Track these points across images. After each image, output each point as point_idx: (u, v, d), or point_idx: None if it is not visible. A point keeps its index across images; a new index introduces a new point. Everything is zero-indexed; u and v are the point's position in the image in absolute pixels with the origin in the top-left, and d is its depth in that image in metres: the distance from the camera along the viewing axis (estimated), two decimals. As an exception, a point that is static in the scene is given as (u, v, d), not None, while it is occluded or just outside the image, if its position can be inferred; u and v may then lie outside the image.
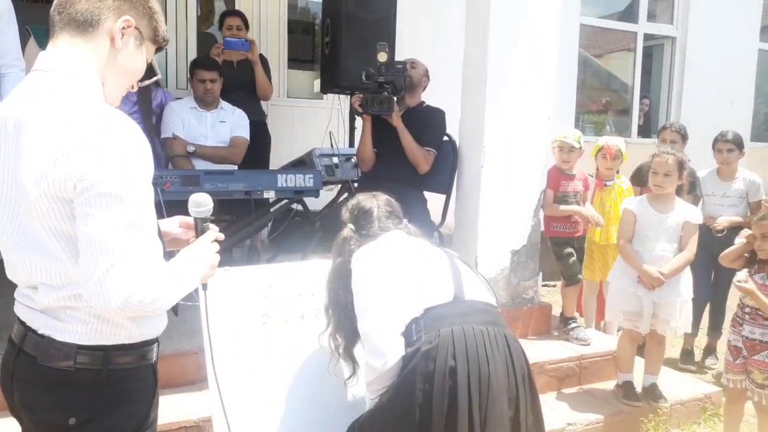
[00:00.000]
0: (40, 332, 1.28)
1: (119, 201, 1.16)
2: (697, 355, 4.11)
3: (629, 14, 7.45)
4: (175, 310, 1.41)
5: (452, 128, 3.75)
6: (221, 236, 1.48)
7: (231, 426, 1.59)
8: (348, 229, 2.16)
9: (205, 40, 5.36)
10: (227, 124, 4.01)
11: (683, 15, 7.40)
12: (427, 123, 3.69)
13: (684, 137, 3.98)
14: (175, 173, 3.44)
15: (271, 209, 4.08)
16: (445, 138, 3.77)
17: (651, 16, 7.45)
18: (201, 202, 1.46)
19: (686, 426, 3.13)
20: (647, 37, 7.43)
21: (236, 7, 5.29)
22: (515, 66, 3.36)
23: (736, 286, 2.70)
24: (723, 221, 3.83)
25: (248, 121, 4.10)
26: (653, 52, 7.77)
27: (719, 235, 3.77)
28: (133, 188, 1.18)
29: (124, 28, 1.31)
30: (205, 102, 3.94)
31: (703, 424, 3.14)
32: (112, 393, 1.30)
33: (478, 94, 3.40)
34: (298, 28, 6.15)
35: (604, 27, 7.43)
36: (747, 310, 2.76)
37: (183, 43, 5.31)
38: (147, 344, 1.36)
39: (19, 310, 1.33)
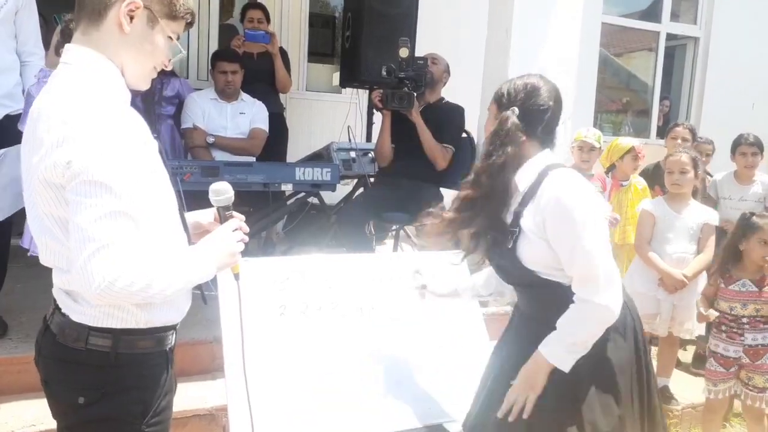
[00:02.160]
0: (62, 311, 1.34)
1: (105, 189, 1.18)
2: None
3: (652, 13, 7.37)
4: (204, 299, 1.43)
5: (471, 125, 3.74)
6: (244, 225, 1.47)
7: (253, 416, 1.61)
8: (513, 115, 1.68)
9: (225, 32, 5.38)
10: (247, 115, 4.03)
11: (707, 15, 7.31)
12: (446, 120, 3.69)
13: (694, 135, 3.96)
14: (195, 164, 3.47)
15: (288, 202, 4.11)
16: (464, 135, 3.77)
17: (674, 16, 7.37)
18: (220, 190, 1.46)
19: (696, 429, 3.11)
20: (669, 37, 7.35)
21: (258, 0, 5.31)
22: (537, 65, 3.34)
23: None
24: None
25: (267, 114, 4.12)
26: (675, 52, 7.69)
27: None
28: (121, 178, 1.20)
29: (131, 10, 1.30)
30: (225, 93, 3.96)
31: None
32: (122, 376, 1.33)
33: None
34: (319, 21, 6.16)
35: (627, 26, 7.36)
36: (745, 320, 2.72)
37: (205, 35, 5.33)
38: (159, 331, 1.38)
39: (53, 289, 1.38)
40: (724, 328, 2.77)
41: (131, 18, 1.30)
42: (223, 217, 1.47)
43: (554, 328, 1.63)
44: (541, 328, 1.67)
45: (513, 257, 1.68)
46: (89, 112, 1.21)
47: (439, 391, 2.27)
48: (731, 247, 2.78)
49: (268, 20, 4.46)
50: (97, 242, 1.17)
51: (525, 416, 1.62)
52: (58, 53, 2.91)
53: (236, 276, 1.50)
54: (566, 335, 1.61)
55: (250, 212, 3.87)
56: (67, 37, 2.79)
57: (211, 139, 3.86)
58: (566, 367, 1.61)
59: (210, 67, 4.16)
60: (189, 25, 1.43)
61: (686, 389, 3.31)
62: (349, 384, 2.19)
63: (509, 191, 1.66)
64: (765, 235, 2.66)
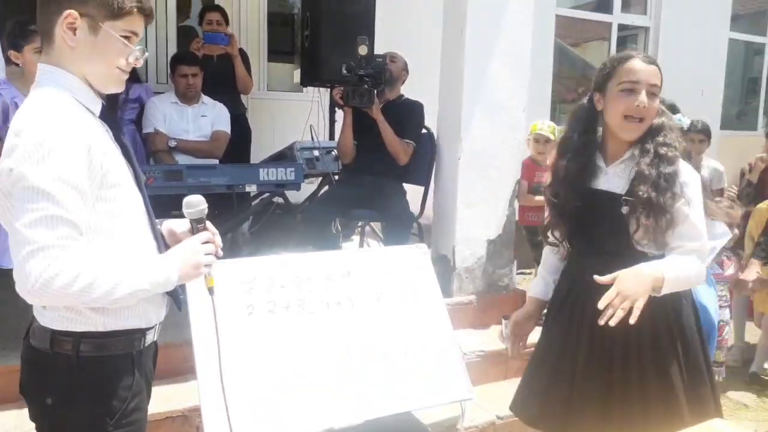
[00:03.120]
0: (35, 315, 1.41)
1: (43, 195, 1.21)
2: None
3: (604, 4, 7.56)
4: (178, 305, 1.48)
5: (430, 121, 3.83)
6: (217, 240, 1.50)
7: (230, 416, 1.67)
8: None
9: (183, 34, 5.36)
10: (208, 118, 4.04)
11: (656, 5, 7.54)
12: (407, 116, 3.77)
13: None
14: (157, 168, 3.49)
15: (253, 203, 4.14)
16: (424, 131, 3.86)
17: (626, 6, 7.58)
18: (192, 203, 1.48)
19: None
20: (621, 27, 7.56)
21: (216, 1, 5.30)
22: (492, 61, 3.44)
23: None
24: None
25: (229, 115, 4.14)
26: (627, 41, 7.91)
27: None
28: (62, 185, 1.23)
29: (70, 23, 1.32)
30: (186, 97, 3.97)
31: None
32: (85, 378, 1.38)
33: (455, 87, 3.48)
34: (278, 20, 6.16)
35: (580, 18, 7.54)
36: None
37: (163, 38, 5.30)
38: (121, 335, 1.41)
39: None
40: None
41: (74, 31, 1.33)
42: (195, 229, 1.49)
43: None
44: None
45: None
46: (38, 123, 1.26)
47: (408, 377, 2.35)
48: None
49: (226, 22, 4.47)
50: (32, 244, 1.20)
51: (632, 321, 1.57)
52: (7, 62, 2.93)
53: (210, 290, 1.51)
54: (684, 268, 1.72)
55: (215, 215, 3.89)
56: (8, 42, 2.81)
57: (173, 143, 3.87)
58: (666, 290, 1.68)
59: (169, 71, 4.15)
60: (146, 16, 1.41)
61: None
62: (321, 379, 2.25)
63: None
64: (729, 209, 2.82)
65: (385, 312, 2.43)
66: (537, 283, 2.09)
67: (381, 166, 3.69)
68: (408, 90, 3.93)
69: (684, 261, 1.73)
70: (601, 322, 1.56)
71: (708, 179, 4.05)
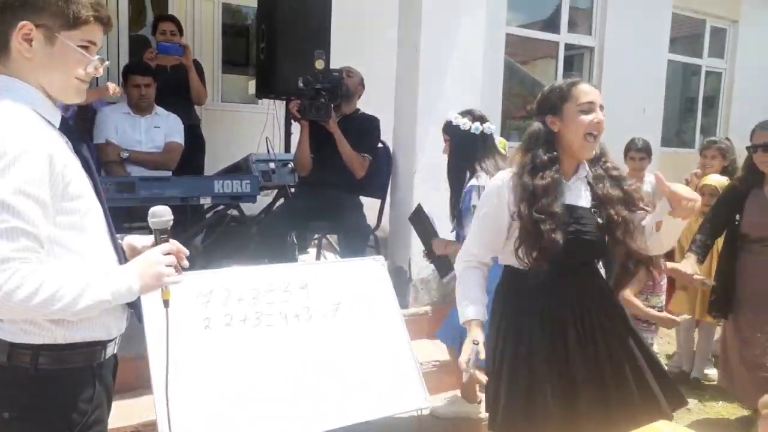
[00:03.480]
0: None
1: (3, 208, 1.20)
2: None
3: (552, 24, 7.83)
4: (139, 317, 1.46)
5: (386, 135, 3.89)
6: (183, 249, 1.49)
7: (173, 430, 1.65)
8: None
9: (136, 44, 5.28)
10: (162, 129, 3.99)
11: (600, 26, 7.86)
12: (363, 130, 3.81)
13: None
14: (109, 180, 3.42)
15: (207, 215, 4.10)
16: (380, 145, 3.91)
17: (572, 26, 7.87)
18: (157, 213, 1.48)
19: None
20: (568, 46, 7.84)
21: (170, 11, 5.25)
22: (446, 78, 3.54)
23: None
24: None
25: (183, 126, 4.10)
26: (574, 60, 8.21)
27: None
28: (22, 197, 1.22)
29: (25, 35, 1.31)
30: (139, 107, 3.91)
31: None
32: (44, 392, 1.35)
33: (410, 103, 3.56)
34: (232, 31, 6.14)
35: (529, 37, 7.78)
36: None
37: (114, 47, 5.21)
38: (81, 347, 1.40)
39: None
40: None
41: (30, 42, 1.32)
42: (158, 240, 1.49)
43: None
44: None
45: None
46: None
47: (365, 388, 2.37)
48: None
49: (180, 32, 4.43)
50: None
51: None
52: None
53: (165, 303, 1.50)
54: None
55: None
56: None
57: (125, 154, 3.80)
58: None
59: (122, 81, 4.09)
60: (104, 25, 1.40)
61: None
62: (276, 393, 2.25)
63: None
64: None
65: (343, 323, 2.46)
66: (478, 306, 1.99)
67: (338, 179, 3.72)
68: (364, 104, 3.99)
69: None
70: None
71: (651, 193, 4.24)
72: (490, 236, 1.98)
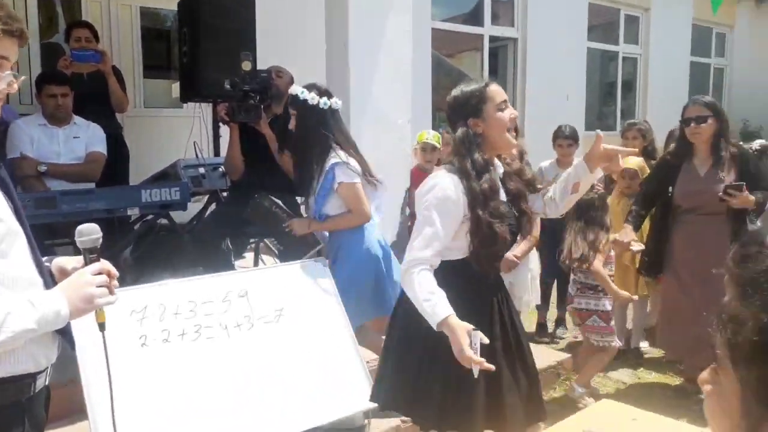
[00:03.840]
0: None
1: None
2: (549, 327, 4.55)
3: (475, 17, 7.97)
4: (71, 344, 1.38)
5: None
6: (112, 270, 1.41)
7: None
8: None
9: (48, 52, 5.01)
10: (81, 139, 3.80)
11: (522, 18, 8.07)
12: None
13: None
14: (27, 196, 3.22)
15: (135, 226, 3.94)
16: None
17: (495, 18, 8.04)
18: (83, 231, 1.40)
19: (545, 392, 3.47)
20: (492, 38, 8.00)
21: (83, 17, 5.00)
22: (376, 73, 3.53)
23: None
24: None
25: (104, 135, 3.92)
26: (499, 52, 8.39)
27: (560, 217, 4.21)
28: None
29: None
30: (56, 118, 3.70)
31: (558, 388, 3.52)
32: None
33: (342, 100, 3.52)
34: (152, 35, 5.93)
35: (454, 30, 7.89)
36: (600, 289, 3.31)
37: (25, 56, 4.92)
38: (7, 382, 1.31)
39: None
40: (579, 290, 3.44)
41: None
42: (87, 260, 1.40)
43: None
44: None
45: None
46: None
47: (312, 393, 2.34)
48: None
49: (96, 38, 4.24)
50: None
51: None
52: None
53: (101, 326, 1.43)
54: None
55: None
56: None
57: (43, 168, 3.59)
58: None
59: (36, 91, 3.86)
60: (17, 38, 1.31)
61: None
62: (219, 406, 2.19)
63: None
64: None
65: (286, 329, 2.41)
66: (444, 304, 1.89)
67: (272, 180, 3.64)
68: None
69: None
70: None
71: (572, 174, 4.38)
72: (446, 241, 1.96)
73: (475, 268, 1.95)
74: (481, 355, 1.78)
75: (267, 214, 3.12)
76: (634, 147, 4.31)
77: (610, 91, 9.90)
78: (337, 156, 2.80)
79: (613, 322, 3.35)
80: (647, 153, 4.36)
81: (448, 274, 2.00)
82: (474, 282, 2.00)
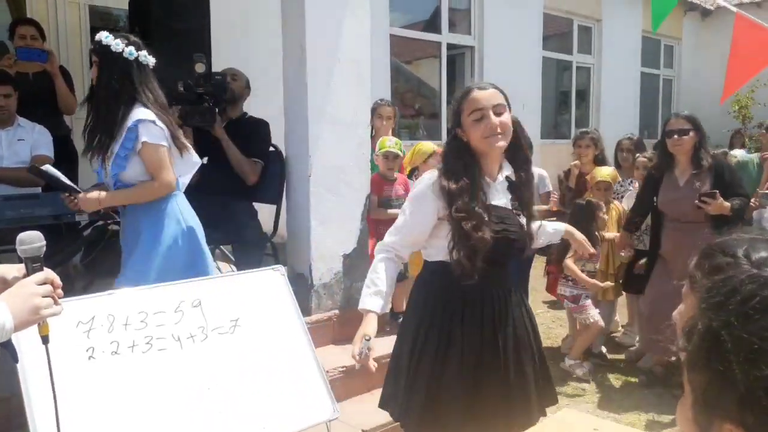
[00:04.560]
0: None
1: None
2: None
3: (433, 24, 8.02)
4: (14, 357, 1.29)
5: (277, 139, 3.78)
6: (56, 279, 1.35)
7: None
8: None
9: (-11, 49, 4.78)
10: (26, 142, 3.64)
11: (479, 26, 8.16)
12: (252, 133, 3.68)
13: None
14: (-34, 201, 3.06)
15: (85, 232, 3.78)
16: (272, 149, 3.79)
17: (453, 26, 8.11)
18: (25, 240, 1.33)
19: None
20: (450, 46, 8.07)
21: (28, 14, 4.80)
22: (334, 78, 3.48)
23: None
24: None
25: (51, 138, 3.76)
26: (456, 59, 8.46)
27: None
28: None
29: None
30: (-3, 119, 3.53)
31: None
32: None
33: (300, 105, 3.47)
34: (102, 35, 5.73)
35: (412, 37, 7.92)
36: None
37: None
38: None
39: None
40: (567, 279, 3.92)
41: None
42: (30, 269, 1.33)
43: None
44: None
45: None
46: None
47: (270, 405, 2.27)
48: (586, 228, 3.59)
49: (42, 37, 4.07)
50: None
51: None
52: None
53: (44, 339, 1.37)
54: None
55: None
56: None
57: (-17, 172, 3.41)
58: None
59: (-25, 91, 3.67)
60: None
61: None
62: (174, 420, 2.09)
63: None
64: (601, 212, 3.87)
65: (242, 340, 2.33)
66: (381, 300, 2.05)
67: (228, 186, 3.56)
68: (252, 107, 3.85)
69: None
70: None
71: (536, 184, 4.44)
72: (416, 235, 2.07)
73: (454, 270, 1.93)
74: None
75: (52, 179, 2.71)
76: (586, 155, 4.41)
77: (564, 100, 10.11)
78: (143, 113, 2.46)
79: (584, 302, 3.84)
80: (598, 161, 4.46)
81: (428, 274, 2.11)
82: (454, 285, 1.97)
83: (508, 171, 2.07)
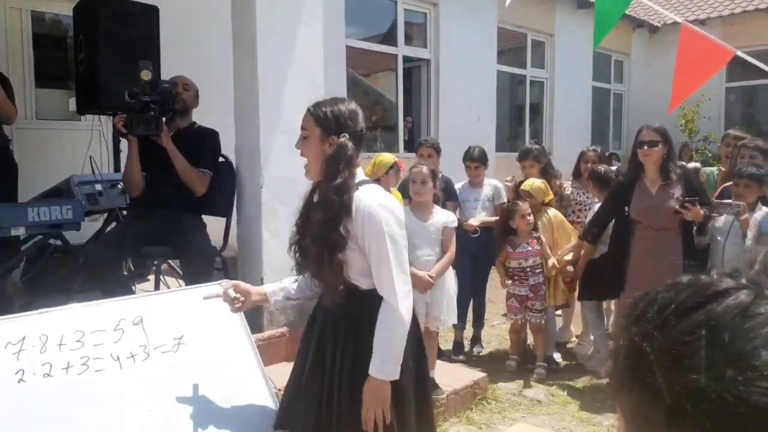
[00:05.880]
0: None
1: None
2: (466, 345, 4.56)
3: (390, 37, 8.05)
4: None
5: (227, 149, 3.68)
6: None
7: None
8: (347, 140, 1.97)
9: None
10: (-41, 152, 3.44)
11: (434, 39, 8.22)
12: (201, 144, 3.57)
13: (438, 151, 4.41)
14: None
15: (23, 247, 3.60)
16: (221, 159, 3.69)
17: (409, 39, 8.14)
18: None
19: (461, 413, 3.44)
20: (406, 59, 8.09)
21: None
22: (286, 87, 3.41)
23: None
24: (473, 222, 4.31)
25: (-13, 149, 3.57)
26: (413, 72, 8.50)
27: (474, 235, 4.26)
28: None
29: None
30: (-74, 128, 3.33)
31: (475, 408, 3.48)
32: None
33: (251, 114, 3.38)
34: (48, 42, 5.52)
35: (368, 49, 7.91)
36: (528, 269, 4.03)
37: None
38: None
39: None
40: (516, 278, 4.07)
41: None
42: None
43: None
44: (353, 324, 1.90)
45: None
46: None
47: (218, 425, 2.17)
48: (504, 226, 4.07)
49: (-22, 42, 3.87)
50: None
51: (387, 422, 1.78)
52: None
53: None
54: (388, 351, 1.79)
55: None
56: None
57: None
58: (394, 371, 1.81)
59: None
60: None
61: (448, 376, 3.61)
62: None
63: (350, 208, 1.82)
64: (524, 211, 3.97)
65: (187, 359, 2.23)
66: (274, 284, 2.19)
67: (175, 198, 3.44)
68: (201, 117, 3.74)
69: (383, 344, 1.82)
70: None
71: (491, 195, 4.45)
72: None
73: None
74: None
75: None
76: (531, 173, 4.49)
77: (519, 114, 10.27)
78: None
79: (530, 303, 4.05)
80: (545, 173, 4.55)
81: None
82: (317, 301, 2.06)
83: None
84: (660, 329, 0.58)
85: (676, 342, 0.56)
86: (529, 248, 4.02)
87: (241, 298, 2.08)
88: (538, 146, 4.82)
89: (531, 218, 4.02)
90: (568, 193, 4.80)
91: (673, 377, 0.55)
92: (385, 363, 1.80)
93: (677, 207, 3.43)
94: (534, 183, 4.31)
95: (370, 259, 1.83)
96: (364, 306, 1.86)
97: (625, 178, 3.82)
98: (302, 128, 1.92)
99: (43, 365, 1.99)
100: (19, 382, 1.95)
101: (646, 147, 3.55)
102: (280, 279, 3.41)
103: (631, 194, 3.67)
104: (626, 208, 3.71)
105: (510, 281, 4.12)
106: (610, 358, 0.67)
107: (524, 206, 4.02)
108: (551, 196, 4.34)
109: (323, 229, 1.83)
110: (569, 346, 4.67)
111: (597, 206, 4.30)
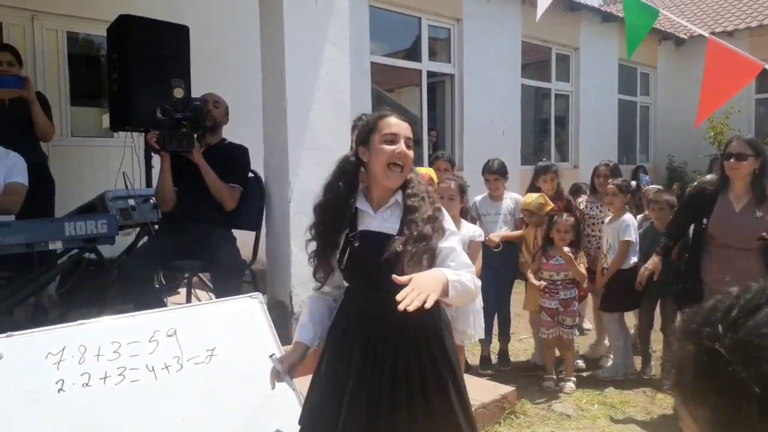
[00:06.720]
0: None
1: None
2: (493, 359, 4.54)
3: (414, 53, 8.12)
4: None
5: (256, 164, 3.75)
6: None
7: None
8: None
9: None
10: (0, 169, 3.56)
11: (458, 55, 8.27)
12: (231, 159, 3.65)
13: (453, 164, 4.43)
14: (-65, 229, 2.98)
15: (59, 261, 3.70)
16: (251, 174, 3.76)
17: (433, 55, 8.21)
18: None
19: (490, 427, 3.42)
20: (430, 74, 8.15)
21: (5, 40, 4.76)
22: (314, 105, 3.48)
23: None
24: (494, 237, 4.29)
25: (25, 164, 3.68)
26: (437, 87, 8.55)
27: (496, 250, 4.25)
28: None
29: None
30: (-30, 146, 3.46)
31: (503, 422, 3.46)
32: None
33: (279, 131, 3.46)
34: (82, 61, 5.70)
35: (393, 65, 8.00)
36: (559, 283, 4.04)
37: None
38: None
39: None
40: (546, 290, 4.07)
41: None
42: None
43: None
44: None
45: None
46: None
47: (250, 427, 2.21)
48: (546, 237, 4.11)
49: (20, 63, 4.02)
50: None
51: (428, 306, 1.63)
52: None
53: None
54: (464, 279, 1.81)
55: (12, 277, 3.41)
56: None
57: (-45, 199, 3.33)
58: (452, 293, 1.78)
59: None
60: None
61: (476, 390, 3.61)
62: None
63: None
64: (562, 226, 4.04)
65: (219, 370, 2.27)
66: (305, 330, 2.07)
67: (206, 212, 3.51)
68: (230, 134, 3.83)
69: (463, 274, 1.85)
70: (401, 307, 1.59)
71: (512, 209, 4.45)
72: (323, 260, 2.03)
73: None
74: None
75: None
76: (551, 188, 4.46)
77: (544, 127, 10.24)
78: None
79: (560, 318, 4.08)
80: (557, 186, 4.57)
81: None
82: (343, 309, 2.01)
83: (395, 200, 1.96)
84: (730, 328, 0.61)
85: (753, 335, 0.59)
86: (562, 262, 4.05)
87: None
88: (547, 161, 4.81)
89: (567, 235, 4.04)
90: (583, 207, 4.79)
91: (759, 366, 0.57)
92: (454, 278, 1.79)
93: (764, 234, 3.12)
94: (532, 199, 4.28)
95: (444, 255, 1.88)
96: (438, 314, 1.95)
97: (711, 185, 3.49)
98: (410, 138, 1.96)
99: (81, 375, 2.05)
100: (59, 391, 2.02)
101: (733, 160, 3.25)
102: (308, 293, 3.46)
103: (712, 206, 3.39)
104: (704, 220, 3.44)
105: (541, 293, 4.11)
106: (672, 370, 0.68)
107: (563, 221, 4.05)
108: (551, 205, 4.31)
109: (427, 239, 1.86)
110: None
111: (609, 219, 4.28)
